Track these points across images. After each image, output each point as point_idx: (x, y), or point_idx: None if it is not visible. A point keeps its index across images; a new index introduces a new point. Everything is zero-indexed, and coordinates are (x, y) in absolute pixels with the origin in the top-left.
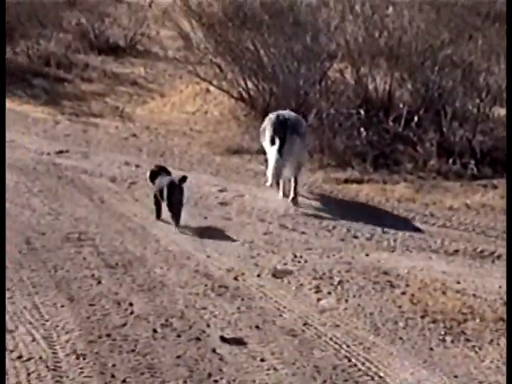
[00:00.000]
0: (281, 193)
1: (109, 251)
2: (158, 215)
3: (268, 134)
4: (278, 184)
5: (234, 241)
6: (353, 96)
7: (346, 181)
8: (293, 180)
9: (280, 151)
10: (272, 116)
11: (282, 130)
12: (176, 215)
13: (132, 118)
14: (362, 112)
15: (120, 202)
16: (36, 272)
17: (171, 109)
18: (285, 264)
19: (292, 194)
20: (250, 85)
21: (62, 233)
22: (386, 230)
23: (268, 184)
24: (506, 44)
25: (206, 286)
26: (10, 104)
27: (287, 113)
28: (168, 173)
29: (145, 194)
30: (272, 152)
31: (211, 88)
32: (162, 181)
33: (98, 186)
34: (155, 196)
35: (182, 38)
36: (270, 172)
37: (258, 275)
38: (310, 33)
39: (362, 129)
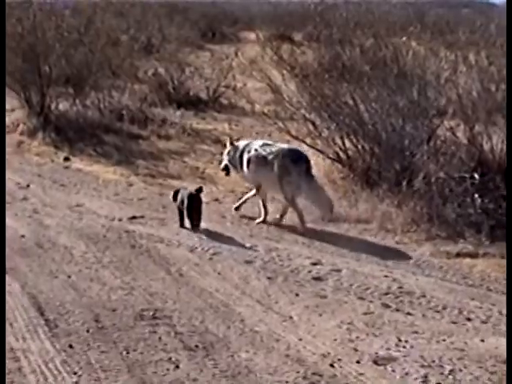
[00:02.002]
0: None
1: (188, 331)
2: (182, 224)
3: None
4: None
5: (329, 322)
6: (466, 158)
7: (458, 254)
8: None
9: None
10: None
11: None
12: (196, 221)
13: (214, 181)
14: (477, 176)
15: (200, 276)
16: (106, 354)
17: None
18: (388, 349)
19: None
20: (347, 144)
21: (135, 309)
22: (504, 311)
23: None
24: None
25: (297, 372)
26: (78, 163)
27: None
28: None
29: (229, 266)
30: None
31: (304, 147)
32: (183, 194)
33: (175, 257)
34: (178, 208)
35: (271, 91)
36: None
37: (357, 361)
38: (416, 86)
39: (477, 195)
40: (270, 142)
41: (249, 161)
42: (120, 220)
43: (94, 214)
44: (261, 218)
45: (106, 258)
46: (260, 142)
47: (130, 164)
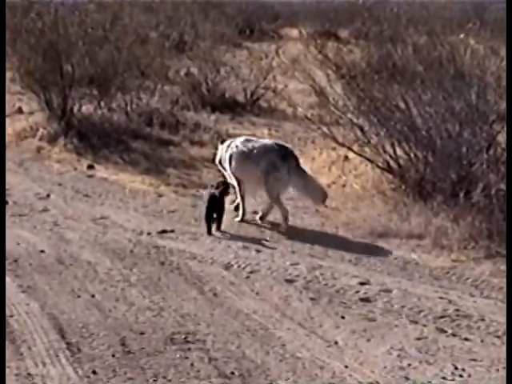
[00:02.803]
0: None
1: (222, 357)
2: (209, 229)
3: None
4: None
5: (378, 347)
6: None
7: None
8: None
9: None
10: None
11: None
12: (217, 226)
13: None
14: None
15: (236, 296)
16: (132, 381)
17: None
18: (443, 378)
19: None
20: (399, 152)
21: (164, 333)
22: None
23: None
24: None
25: None
26: (103, 172)
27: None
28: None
29: (267, 285)
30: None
31: (351, 155)
32: (207, 193)
33: (209, 275)
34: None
35: (315, 93)
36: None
37: None
38: (475, 88)
39: None
40: (252, 138)
41: (230, 157)
42: (148, 234)
43: (120, 227)
44: (239, 217)
45: (133, 275)
46: (242, 139)
47: (159, 173)
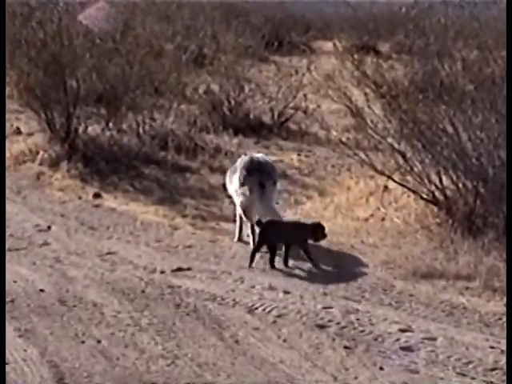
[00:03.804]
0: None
1: None
2: (272, 263)
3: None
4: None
5: None
6: None
7: None
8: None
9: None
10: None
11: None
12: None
13: None
14: None
15: (261, 343)
16: None
17: (335, 213)
18: None
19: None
20: (445, 181)
21: None
22: None
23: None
24: None
25: None
26: (111, 201)
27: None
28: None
29: (296, 331)
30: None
31: (391, 185)
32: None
33: (230, 320)
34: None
35: (351, 115)
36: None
37: None
38: None
39: None
40: (255, 155)
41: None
42: (162, 272)
43: (129, 264)
44: (235, 239)
45: (144, 319)
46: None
47: (175, 203)
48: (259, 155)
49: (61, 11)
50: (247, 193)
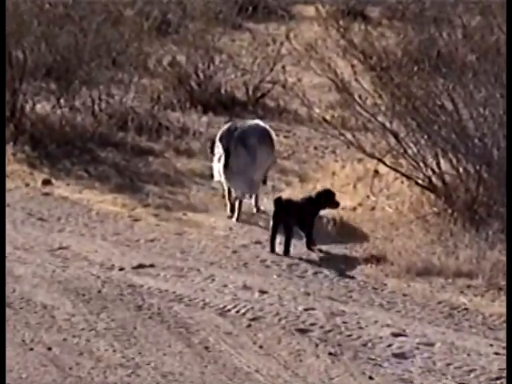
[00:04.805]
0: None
1: None
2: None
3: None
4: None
5: None
6: None
7: None
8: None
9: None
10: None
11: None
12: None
13: (255, 215)
14: None
15: (234, 350)
16: None
17: None
18: None
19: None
20: (444, 165)
21: None
22: None
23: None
24: None
25: None
26: (63, 189)
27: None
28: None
29: (274, 337)
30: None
31: (382, 169)
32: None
33: (199, 323)
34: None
35: (336, 89)
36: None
37: None
38: None
39: None
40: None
41: None
42: (121, 270)
43: (84, 260)
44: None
45: (101, 322)
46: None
47: (135, 191)
48: (254, 121)
49: None
50: (221, 161)
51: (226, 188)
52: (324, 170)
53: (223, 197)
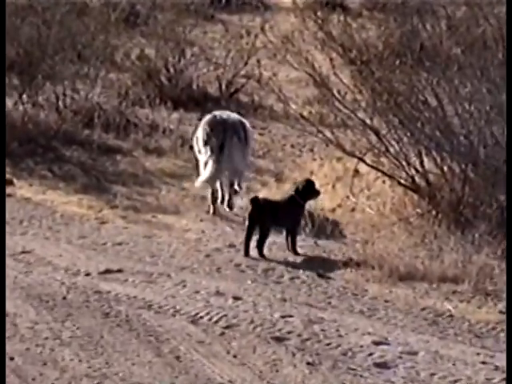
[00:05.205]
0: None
1: None
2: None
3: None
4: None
5: None
6: None
7: None
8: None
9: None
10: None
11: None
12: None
13: (228, 217)
14: None
15: (207, 359)
16: None
17: None
18: None
19: (227, 197)
20: (428, 164)
21: None
22: None
23: (199, 182)
24: None
25: None
26: (25, 190)
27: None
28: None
29: (249, 345)
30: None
31: (363, 168)
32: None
33: (169, 331)
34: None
35: (314, 84)
36: (204, 178)
37: None
38: None
39: None
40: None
41: None
42: (87, 275)
43: (48, 265)
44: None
45: (66, 331)
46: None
47: (102, 191)
48: (229, 113)
49: None
50: (209, 152)
51: (212, 186)
52: (301, 169)
53: (213, 201)
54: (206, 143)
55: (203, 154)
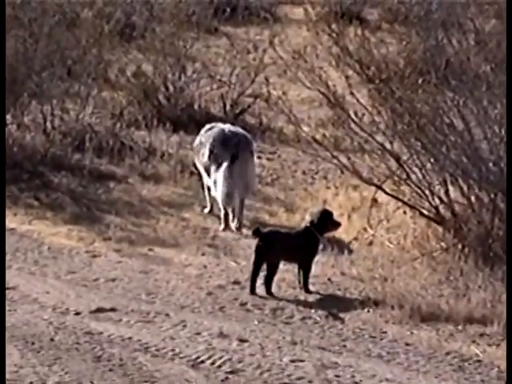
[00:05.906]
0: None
1: None
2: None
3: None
4: (226, 214)
5: None
6: None
7: None
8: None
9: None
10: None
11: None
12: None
13: (233, 250)
14: None
15: None
16: None
17: None
18: None
19: (237, 222)
20: (453, 193)
21: None
22: None
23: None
24: None
25: None
26: (9, 219)
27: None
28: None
29: None
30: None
31: (382, 198)
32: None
33: (168, 377)
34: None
35: (329, 104)
36: (220, 197)
37: None
38: None
39: None
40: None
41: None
42: (77, 314)
43: (34, 302)
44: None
45: (53, 376)
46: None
47: (94, 222)
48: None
49: None
50: (221, 167)
51: (221, 203)
52: (314, 199)
53: (225, 220)
54: (215, 159)
55: (213, 171)
